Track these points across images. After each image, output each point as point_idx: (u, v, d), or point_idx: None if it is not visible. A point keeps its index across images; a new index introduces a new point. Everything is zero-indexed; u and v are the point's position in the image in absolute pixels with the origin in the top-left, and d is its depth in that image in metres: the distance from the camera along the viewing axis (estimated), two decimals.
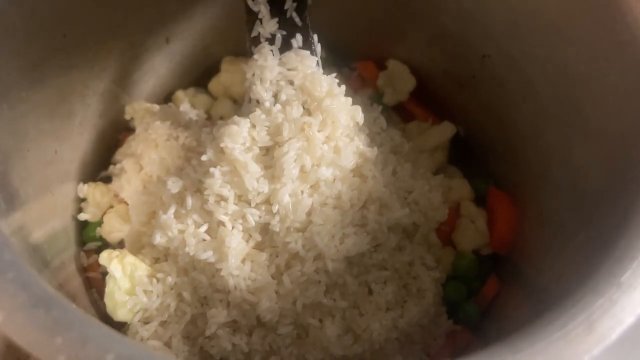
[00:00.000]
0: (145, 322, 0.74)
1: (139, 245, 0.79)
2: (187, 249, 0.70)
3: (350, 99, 0.73)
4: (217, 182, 0.69)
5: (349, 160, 0.71)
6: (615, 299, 0.46)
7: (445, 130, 0.94)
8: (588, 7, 0.65)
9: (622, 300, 0.45)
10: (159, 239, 0.71)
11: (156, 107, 0.92)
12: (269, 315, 0.70)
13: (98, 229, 0.83)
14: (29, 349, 0.41)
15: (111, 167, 0.88)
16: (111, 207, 0.84)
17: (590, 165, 0.68)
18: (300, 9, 0.74)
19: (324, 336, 0.72)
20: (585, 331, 0.44)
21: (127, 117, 0.91)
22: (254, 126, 0.71)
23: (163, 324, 0.74)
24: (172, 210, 0.72)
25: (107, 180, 0.87)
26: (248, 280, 0.70)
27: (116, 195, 0.84)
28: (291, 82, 0.73)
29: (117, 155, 0.90)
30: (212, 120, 0.96)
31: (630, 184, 0.58)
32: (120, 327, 0.74)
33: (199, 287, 0.73)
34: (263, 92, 0.72)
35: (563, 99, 0.73)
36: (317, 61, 0.75)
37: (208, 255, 0.69)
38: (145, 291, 0.73)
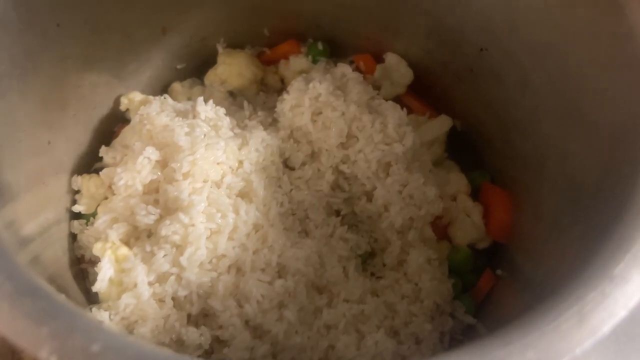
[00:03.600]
0: None
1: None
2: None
3: None
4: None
5: None
6: (607, 292, 0.45)
7: (442, 124, 0.94)
8: (586, 1, 0.65)
9: (615, 293, 0.45)
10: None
11: (152, 98, 0.91)
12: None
13: (92, 219, 0.82)
14: (14, 338, 0.40)
15: (104, 157, 0.87)
16: (105, 198, 0.84)
17: (586, 159, 0.68)
18: None
19: None
20: (577, 324, 0.44)
21: (123, 108, 0.90)
22: None
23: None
24: None
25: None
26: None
27: (110, 187, 0.83)
28: None
29: (112, 147, 0.89)
30: None
31: (626, 179, 0.57)
32: None
33: None
34: None
35: (561, 94, 0.73)
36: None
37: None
38: None
